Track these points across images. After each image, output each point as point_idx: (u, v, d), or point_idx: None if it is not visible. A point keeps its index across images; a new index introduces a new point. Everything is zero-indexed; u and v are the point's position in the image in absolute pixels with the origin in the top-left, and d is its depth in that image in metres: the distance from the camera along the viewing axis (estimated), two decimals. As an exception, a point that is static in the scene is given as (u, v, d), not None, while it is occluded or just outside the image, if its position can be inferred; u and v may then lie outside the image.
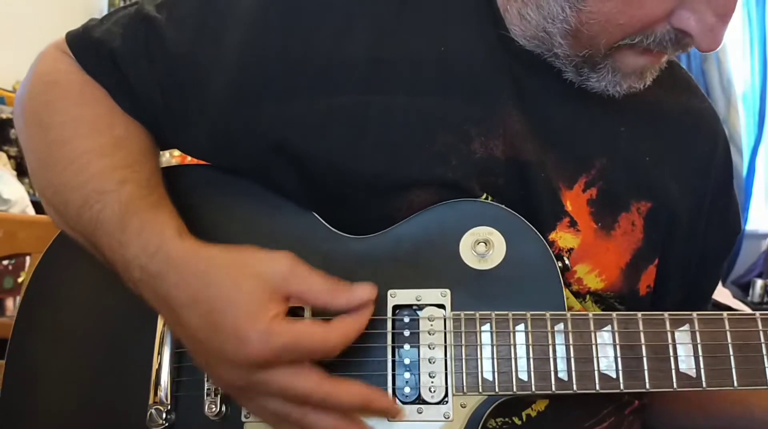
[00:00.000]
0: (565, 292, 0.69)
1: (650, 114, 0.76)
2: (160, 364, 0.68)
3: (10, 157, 2.93)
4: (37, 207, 2.71)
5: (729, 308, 0.92)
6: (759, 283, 3.52)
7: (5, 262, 2.29)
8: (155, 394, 0.67)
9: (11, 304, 2.45)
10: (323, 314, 0.61)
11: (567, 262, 0.69)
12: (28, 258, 1.16)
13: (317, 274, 0.60)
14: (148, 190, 0.67)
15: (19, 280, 2.39)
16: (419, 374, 0.63)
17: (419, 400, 0.63)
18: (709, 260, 0.80)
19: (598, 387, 0.62)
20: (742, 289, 3.68)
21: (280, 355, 0.57)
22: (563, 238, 0.70)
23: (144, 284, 0.62)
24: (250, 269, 0.59)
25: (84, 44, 0.75)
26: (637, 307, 0.73)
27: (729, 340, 0.62)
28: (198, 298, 0.59)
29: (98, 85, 0.73)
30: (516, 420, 0.67)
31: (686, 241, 0.76)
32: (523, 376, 0.62)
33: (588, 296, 0.71)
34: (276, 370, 0.57)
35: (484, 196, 0.69)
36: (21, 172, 2.93)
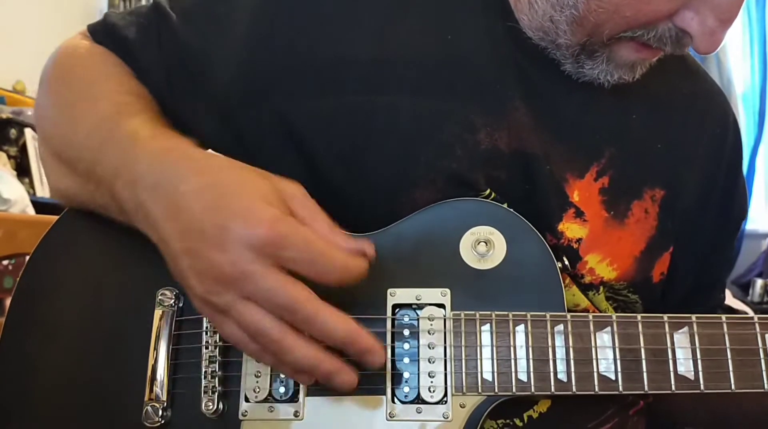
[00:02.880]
0: (572, 289, 0.69)
1: (661, 100, 0.77)
2: (156, 360, 0.67)
3: (10, 157, 2.92)
4: (37, 207, 2.70)
5: (729, 308, 0.92)
6: (759, 282, 3.53)
7: (5, 262, 2.28)
8: (151, 390, 0.67)
9: (11, 304, 2.44)
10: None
11: (566, 262, 0.70)
12: (27, 258, 1.16)
13: (323, 211, 0.60)
14: (160, 122, 0.69)
15: (19, 279, 2.39)
16: (418, 374, 0.63)
17: (418, 400, 0.63)
18: (718, 244, 0.81)
19: (597, 388, 0.62)
20: (742, 288, 3.68)
21: (285, 245, 0.54)
22: (570, 228, 0.70)
23: (150, 178, 0.60)
24: (265, 175, 0.60)
25: (100, 29, 0.79)
26: (649, 294, 0.74)
27: (727, 342, 0.62)
28: (211, 183, 0.57)
29: (116, 56, 0.76)
30: (517, 421, 0.67)
31: (698, 225, 0.77)
32: (523, 377, 0.62)
33: (601, 288, 0.71)
34: (272, 268, 0.54)
35: (488, 191, 0.69)
36: (21, 172, 2.93)
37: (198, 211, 0.56)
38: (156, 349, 0.68)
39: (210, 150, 0.77)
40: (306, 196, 0.59)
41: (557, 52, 0.70)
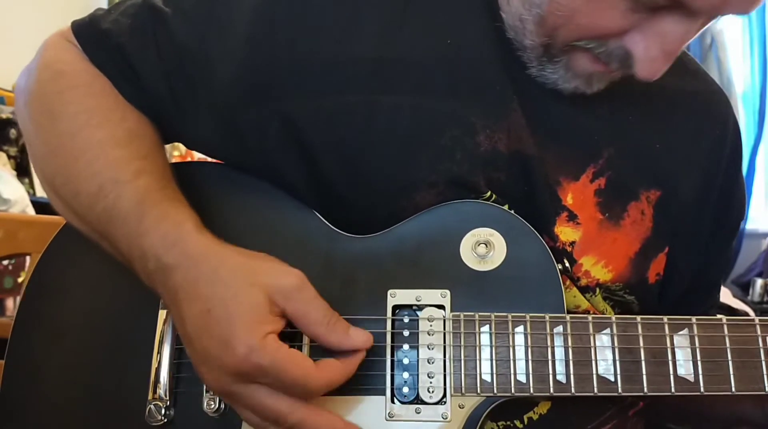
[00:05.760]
0: (573, 291, 0.70)
1: (660, 100, 0.77)
2: (159, 361, 0.68)
3: (10, 157, 2.92)
4: (37, 207, 2.70)
5: (729, 307, 0.92)
6: (759, 282, 3.53)
7: (5, 262, 2.29)
8: (154, 390, 0.67)
9: (11, 304, 2.45)
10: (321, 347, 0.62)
11: (567, 264, 0.70)
12: (28, 258, 1.16)
13: (322, 303, 0.60)
14: (164, 183, 0.67)
15: (19, 280, 2.39)
16: (418, 374, 0.64)
17: (417, 400, 0.63)
18: (715, 245, 0.80)
19: (596, 390, 0.62)
20: (742, 288, 3.68)
21: (259, 374, 0.57)
22: (564, 232, 0.70)
23: (157, 275, 0.62)
24: (258, 279, 0.60)
25: (90, 35, 0.75)
26: (646, 295, 0.74)
27: (727, 344, 0.62)
28: (200, 294, 0.60)
29: (105, 77, 0.73)
30: (518, 423, 0.67)
31: (695, 226, 0.77)
32: (522, 378, 0.62)
33: (598, 289, 0.71)
34: (254, 386, 0.58)
35: (489, 193, 0.69)
36: (21, 172, 2.93)
37: (190, 323, 0.60)
38: (159, 349, 0.68)
39: (207, 156, 0.77)
40: (301, 289, 0.60)
41: (524, 54, 0.70)
